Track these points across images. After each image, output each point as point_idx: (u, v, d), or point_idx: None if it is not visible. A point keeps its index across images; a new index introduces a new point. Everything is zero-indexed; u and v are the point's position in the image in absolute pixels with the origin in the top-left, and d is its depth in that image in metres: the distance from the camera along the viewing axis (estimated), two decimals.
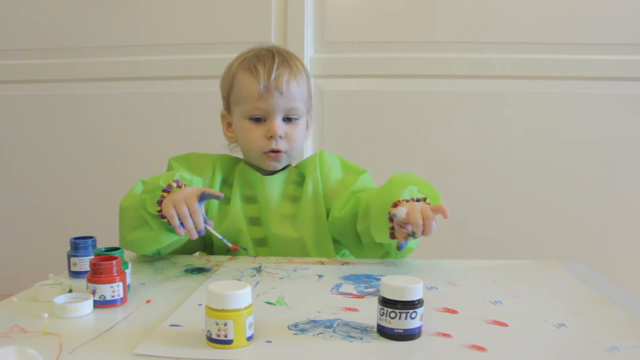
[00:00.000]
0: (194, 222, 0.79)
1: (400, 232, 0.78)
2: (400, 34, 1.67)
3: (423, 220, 0.74)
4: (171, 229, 0.81)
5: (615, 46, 1.61)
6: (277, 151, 0.95)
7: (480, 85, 1.66)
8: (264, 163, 0.98)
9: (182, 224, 0.78)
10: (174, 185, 0.83)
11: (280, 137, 0.95)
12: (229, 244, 0.84)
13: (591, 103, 1.64)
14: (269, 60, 0.95)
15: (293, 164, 1.05)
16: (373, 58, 1.68)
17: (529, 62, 1.63)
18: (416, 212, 0.75)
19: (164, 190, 0.82)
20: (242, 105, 0.96)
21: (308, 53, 1.69)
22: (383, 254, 0.90)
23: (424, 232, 0.74)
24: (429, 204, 0.79)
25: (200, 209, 0.80)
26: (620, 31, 1.61)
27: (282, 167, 1.00)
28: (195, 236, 0.79)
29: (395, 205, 0.78)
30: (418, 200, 0.80)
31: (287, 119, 0.96)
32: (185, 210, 0.78)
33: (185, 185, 0.85)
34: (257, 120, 0.96)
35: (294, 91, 0.95)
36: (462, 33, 1.65)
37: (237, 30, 1.70)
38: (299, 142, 0.98)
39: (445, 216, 0.74)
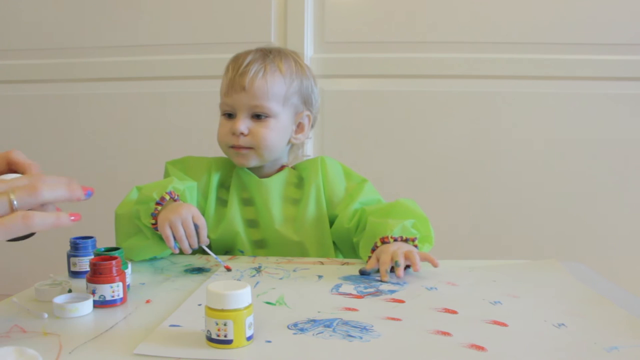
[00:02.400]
0: (189, 243, 0.83)
1: (372, 263, 0.81)
2: (400, 34, 1.67)
3: (393, 263, 0.78)
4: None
5: (615, 46, 1.61)
6: (238, 147, 0.95)
7: (480, 85, 1.66)
8: (232, 159, 0.98)
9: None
10: (167, 197, 0.85)
11: (242, 133, 0.94)
12: (223, 264, 0.85)
13: (591, 103, 1.63)
14: (244, 57, 0.96)
15: (290, 165, 1.03)
16: (373, 58, 1.68)
17: (529, 62, 1.63)
18: (387, 255, 0.78)
19: (157, 203, 0.85)
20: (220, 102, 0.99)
21: (308, 53, 1.69)
22: None
23: (396, 273, 0.77)
24: (416, 245, 0.83)
25: (203, 228, 0.84)
26: (620, 31, 1.61)
27: (252, 164, 0.97)
28: (189, 252, 0.84)
29: (383, 240, 0.83)
30: (406, 240, 0.83)
31: (257, 117, 0.95)
32: (181, 233, 0.82)
33: (178, 196, 0.87)
34: (229, 116, 0.97)
35: (259, 88, 0.93)
36: (462, 33, 1.65)
37: (237, 30, 1.70)
38: (268, 141, 0.94)
39: (435, 265, 0.79)
